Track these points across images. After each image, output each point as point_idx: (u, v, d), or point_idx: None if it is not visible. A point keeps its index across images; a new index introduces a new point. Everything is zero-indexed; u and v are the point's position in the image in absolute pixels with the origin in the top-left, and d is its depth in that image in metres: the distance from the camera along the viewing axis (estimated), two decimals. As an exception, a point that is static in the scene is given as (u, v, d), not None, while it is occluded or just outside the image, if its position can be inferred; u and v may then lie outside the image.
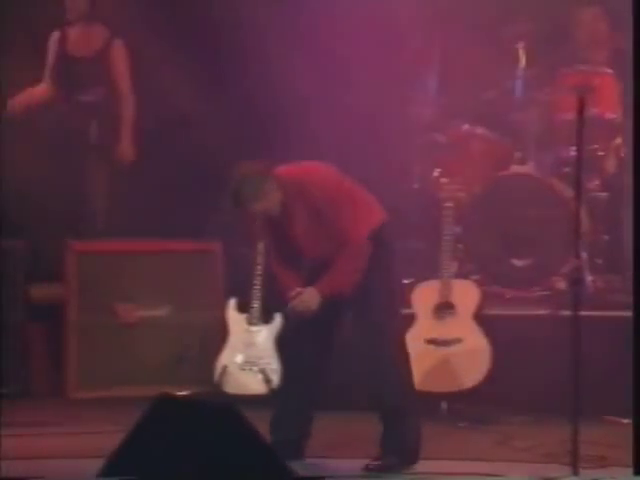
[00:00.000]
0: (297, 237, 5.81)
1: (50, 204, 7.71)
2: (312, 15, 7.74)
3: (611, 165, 7.62)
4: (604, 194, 7.53)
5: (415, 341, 6.79)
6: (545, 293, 7.29)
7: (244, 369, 7.02)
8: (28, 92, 7.91)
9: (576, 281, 5.52)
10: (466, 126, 7.70)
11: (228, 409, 5.00)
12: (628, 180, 7.60)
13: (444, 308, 6.85)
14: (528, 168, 7.60)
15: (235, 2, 7.83)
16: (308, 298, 5.69)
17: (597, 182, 7.50)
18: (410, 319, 6.88)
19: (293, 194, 5.72)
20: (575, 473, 5.13)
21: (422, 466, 5.86)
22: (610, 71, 7.68)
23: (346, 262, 5.69)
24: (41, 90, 7.94)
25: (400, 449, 5.75)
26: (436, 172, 7.64)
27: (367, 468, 5.68)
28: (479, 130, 7.71)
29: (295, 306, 5.73)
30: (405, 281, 7.25)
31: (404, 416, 5.77)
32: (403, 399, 5.78)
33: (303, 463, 5.65)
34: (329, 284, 5.69)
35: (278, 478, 4.71)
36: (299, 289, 5.71)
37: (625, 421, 6.59)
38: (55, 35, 7.96)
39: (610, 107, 7.57)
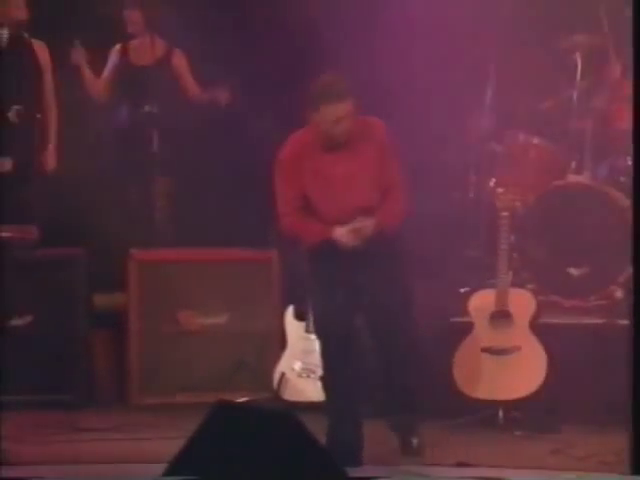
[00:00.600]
0: (346, 177, 5.98)
1: (113, 213, 7.77)
2: (372, 27, 7.71)
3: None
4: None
5: (471, 349, 6.80)
6: (602, 302, 7.21)
7: (302, 376, 7.02)
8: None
9: (632, 290, 5.49)
10: (522, 135, 7.67)
11: (287, 416, 4.99)
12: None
13: (500, 317, 6.80)
14: (584, 177, 7.53)
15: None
16: (365, 226, 5.89)
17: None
18: (467, 327, 6.86)
19: (363, 127, 6.00)
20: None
21: (476, 472, 5.86)
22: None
23: (394, 203, 6.01)
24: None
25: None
26: (492, 181, 7.60)
27: None
28: (535, 139, 7.66)
29: (351, 232, 5.89)
30: (461, 290, 7.26)
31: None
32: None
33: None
34: (379, 220, 5.92)
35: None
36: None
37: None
38: (117, 47, 8.05)
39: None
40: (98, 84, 8.04)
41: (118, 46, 8.08)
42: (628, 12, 5.19)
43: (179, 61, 8.05)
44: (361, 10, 7.85)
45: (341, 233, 5.93)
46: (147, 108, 7.94)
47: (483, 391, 6.68)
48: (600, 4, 7.53)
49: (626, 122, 5.59)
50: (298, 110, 7.75)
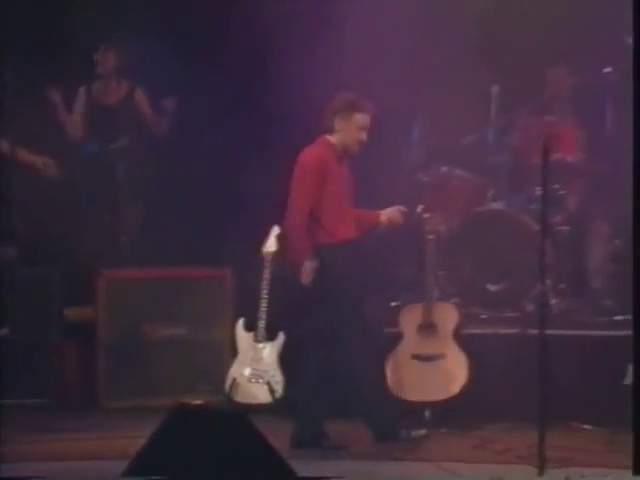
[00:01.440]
0: (348, 187, 6.24)
1: (84, 237, 7.73)
2: (302, 67, 7.69)
3: (572, 202, 7.63)
4: (566, 228, 7.52)
5: (402, 356, 6.81)
6: (515, 314, 7.25)
7: (251, 381, 6.98)
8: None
9: (542, 304, 5.52)
10: (446, 168, 7.70)
11: (238, 417, 4.98)
12: (587, 216, 7.67)
13: (427, 327, 6.81)
14: (500, 205, 7.61)
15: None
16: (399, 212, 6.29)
17: (560, 217, 7.47)
18: (398, 337, 6.86)
19: None
20: (541, 473, 5.10)
21: (407, 467, 5.85)
22: (571, 121, 7.70)
23: None
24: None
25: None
26: (420, 208, 7.61)
27: None
28: (457, 171, 7.72)
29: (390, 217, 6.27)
30: (393, 304, 7.26)
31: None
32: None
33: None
34: None
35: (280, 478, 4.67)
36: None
37: (587, 427, 6.57)
38: (82, 88, 7.97)
39: (570, 152, 7.58)
40: (70, 121, 7.97)
41: (84, 87, 7.99)
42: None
43: (140, 98, 7.99)
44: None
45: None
46: (114, 143, 7.88)
47: (412, 393, 6.68)
48: (514, 57, 7.58)
49: (536, 157, 5.63)
50: (251, 133, 7.82)
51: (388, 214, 6.40)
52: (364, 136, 6.18)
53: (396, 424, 6.28)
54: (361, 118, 6.16)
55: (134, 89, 7.98)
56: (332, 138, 6.23)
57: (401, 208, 6.41)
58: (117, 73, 7.94)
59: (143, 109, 7.97)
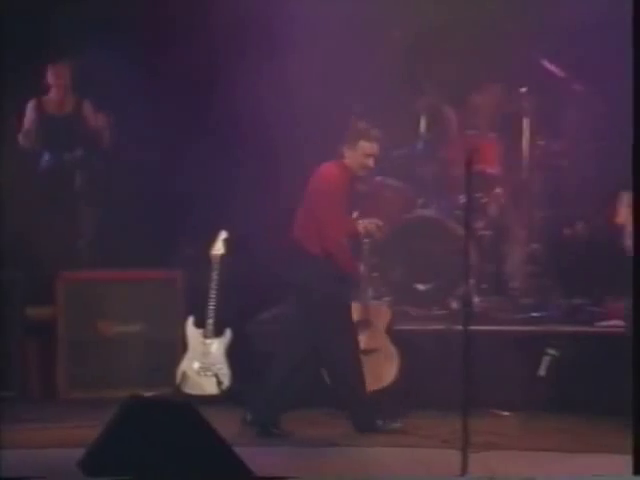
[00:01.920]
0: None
1: (43, 241, 7.67)
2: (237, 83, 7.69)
3: (492, 209, 7.68)
4: (487, 232, 7.58)
5: (340, 351, 6.83)
6: (442, 312, 7.30)
7: (200, 374, 6.99)
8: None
9: (466, 302, 5.58)
10: (379, 177, 7.73)
11: (187, 407, 4.97)
12: (506, 221, 7.75)
13: (363, 324, 6.83)
14: (429, 211, 7.64)
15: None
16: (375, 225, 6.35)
17: (482, 223, 7.53)
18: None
19: None
20: (464, 456, 5.14)
21: (350, 452, 5.91)
22: (492, 136, 7.76)
23: None
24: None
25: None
26: (356, 215, 7.64)
27: None
28: (390, 181, 7.73)
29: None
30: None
31: None
32: None
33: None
34: None
35: (226, 463, 4.68)
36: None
37: (505, 414, 6.64)
38: (33, 101, 7.85)
39: (491, 164, 7.64)
40: (22, 132, 7.89)
41: (33, 100, 7.87)
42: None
43: (88, 111, 7.90)
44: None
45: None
46: (68, 153, 7.82)
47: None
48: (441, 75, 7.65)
49: (460, 168, 5.69)
50: (200, 141, 7.78)
51: (366, 225, 6.40)
52: (371, 163, 6.24)
53: (375, 416, 6.28)
54: (369, 147, 6.22)
55: (82, 102, 7.89)
56: (344, 162, 6.27)
57: (378, 222, 6.42)
58: (66, 86, 7.85)
59: (90, 121, 7.89)
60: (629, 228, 6.29)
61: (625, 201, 6.35)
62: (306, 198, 6.32)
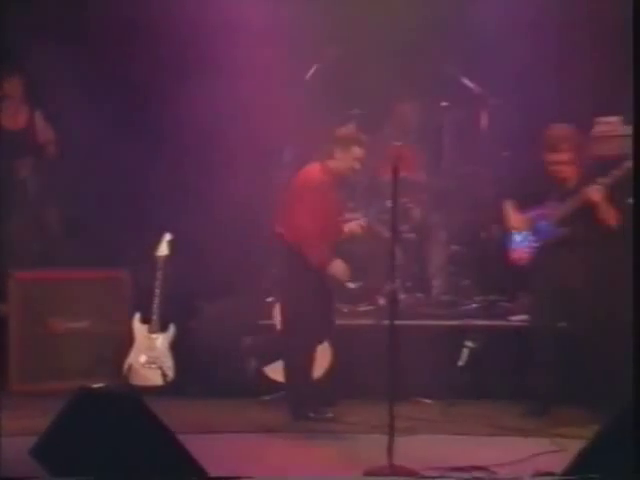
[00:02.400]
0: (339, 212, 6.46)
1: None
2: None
3: (416, 214, 7.75)
4: (412, 235, 7.64)
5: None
6: (371, 308, 7.34)
7: (146, 367, 6.95)
8: None
9: (392, 299, 5.61)
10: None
11: (133, 398, 4.93)
12: (429, 225, 7.81)
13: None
14: (358, 215, 7.66)
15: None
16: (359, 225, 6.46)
17: (407, 226, 7.58)
18: (272, 328, 6.84)
19: None
20: (390, 441, 5.17)
21: (267, 437, 5.90)
22: (416, 146, 7.82)
23: None
24: None
25: None
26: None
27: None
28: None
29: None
30: (268, 299, 7.27)
31: None
32: None
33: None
34: None
35: (169, 450, 4.65)
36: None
37: (428, 401, 6.70)
38: None
39: (415, 172, 7.70)
40: None
41: None
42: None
43: (40, 120, 7.81)
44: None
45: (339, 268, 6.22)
46: (22, 160, 7.71)
47: (280, 375, 6.62)
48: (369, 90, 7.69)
49: (387, 175, 5.73)
50: (145, 147, 7.73)
51: (350, 226, 6.50)
52: (358, 165, 6.29)
53: (310, 406, 6.28)
54: (358, 151, 6.26)
55: (34, 112, 7.79)
56: (330, 163, 6.28)
57: (361, 222, 6.51)
58: (19, 97, 7.75)
59: (41, 131, 7.78)
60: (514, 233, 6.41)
61: (508, 208, 6.46)
62: (288, 197, 6.33)
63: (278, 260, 6.42)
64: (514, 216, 6.39)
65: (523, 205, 6.38)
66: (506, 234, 6.46)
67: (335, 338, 6.77)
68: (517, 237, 6.38)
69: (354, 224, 6.52)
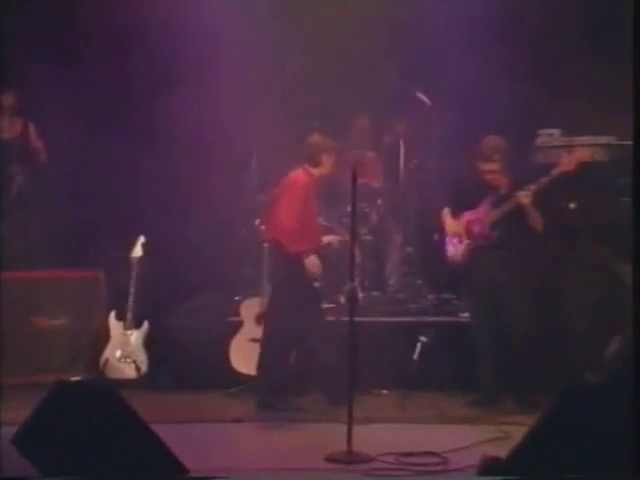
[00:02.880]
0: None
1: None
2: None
3: (374, 217, 7.78)
4: (370, 237, 7.66)
5: (242, 340, 6.83)
6: (332, 305, 7.31)
7: (121, 361, 6.91)
8: None
9: (352, 297, 5.63)
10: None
11: (109, 390, 4.91)
12: (385, 228, 7.83)
13: (262, 317, 6.84)
14: (320, 219, 7.64)
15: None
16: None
17: (365, 229, 7.61)
18: (239, 324, 6.88)
19: None
20: (349, 429, 5.18)
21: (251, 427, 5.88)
22: (372, 154, 7.85)
23: None
24: None
25: None
26: (257, 222, 7.66)
27: None
28: (286, 193, 7.74)
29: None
30: (236, 298, 7.26)
31: None
32: None
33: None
34: None
35: (142, 438, 4.63)
36: None
37: (384, 392, 6.71)
38: None
39: (373, 178, 7.73)
40: None
41: None
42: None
43: (33, 133, 7.76)
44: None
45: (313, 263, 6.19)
46: (11, 167, 7.63)
47: (250, 368, 6.68)
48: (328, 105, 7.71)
49: (347, 182, 5.74)
50: (121, 154, 7.67)
51: (329, 239, 6.69)
52: (334, 173, 6.45)
53: (274, 397, 6.28)
54: (333, 161, 6.38)
55: (27, 124, 7.75)
56: (313, 169, 6.35)
57: (339, 238, 6.68)
58: (13, 109, 7.68)
59: (33, 142, 7.74)
60: (451, 237, 6.48)
61: (446, 213, 6.53)
62: (274, 199, 6.44)
63: (268, 257, 6.55)
64: (450, 221, 6.48)
65: (462, 209, 6.45)
66: (445, 238, 6.55)
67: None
68: (453, 240, 6.46)
69: (333, 238, 6.68)
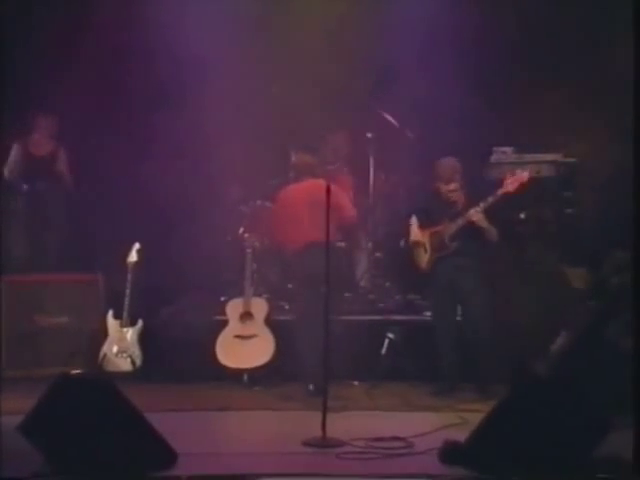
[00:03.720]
0: None
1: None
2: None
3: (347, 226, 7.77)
4: (342, 244, 7.63)
5: (227, 337, 6.83)
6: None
7: (117, 356, 6.90)
8: None
9: (326, 297, 5.58)
10: (259, 201, 7.75)
11: (107, 382, 4.91)
12: (357, 235, 7.84)
13: (246, 316, 6.86)
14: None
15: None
16: None
17: (339, 236, 7.62)
18: (224, 323, 6.88)
19: None
20: (324, 416, 5.20)
21: (233, 416, 5.86)
22: (346, 169, 7.86)
23: None
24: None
25: None
26: (241, 230, 7.67)
27: None
28: (267, 204, 7.71)
29: None
30: (221, 298, 7.27)
31: None
32: None
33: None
34: None
35: (137, 427, 4.64)
36: None
37: (356, 383, 6.73)
38: (16, 144, 7.68)
39: (345, 191, 7.70)
40: (8, 167, 7.66)
41: (18, 143, 7.69)
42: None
43: (62, 155, 7.79)
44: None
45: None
46: (39, 184, 7.67)
47: (235, 362, 6.71)
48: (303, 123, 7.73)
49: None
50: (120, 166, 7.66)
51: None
52: None
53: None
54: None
55: (59, 148, 7.77)
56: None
57: None
58: (47, 132, 7.72)
59: (62, 165, 7.78)
60: (418, 244, 6.54)
61: (413, 224, 6.59)
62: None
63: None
64: (416, 231, 6.56)
65: (426, 223, 6.54)
66: (411, 245, 6.62)
67: (278, 331, 6.77)
68: (419, 249, 6.54)
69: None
